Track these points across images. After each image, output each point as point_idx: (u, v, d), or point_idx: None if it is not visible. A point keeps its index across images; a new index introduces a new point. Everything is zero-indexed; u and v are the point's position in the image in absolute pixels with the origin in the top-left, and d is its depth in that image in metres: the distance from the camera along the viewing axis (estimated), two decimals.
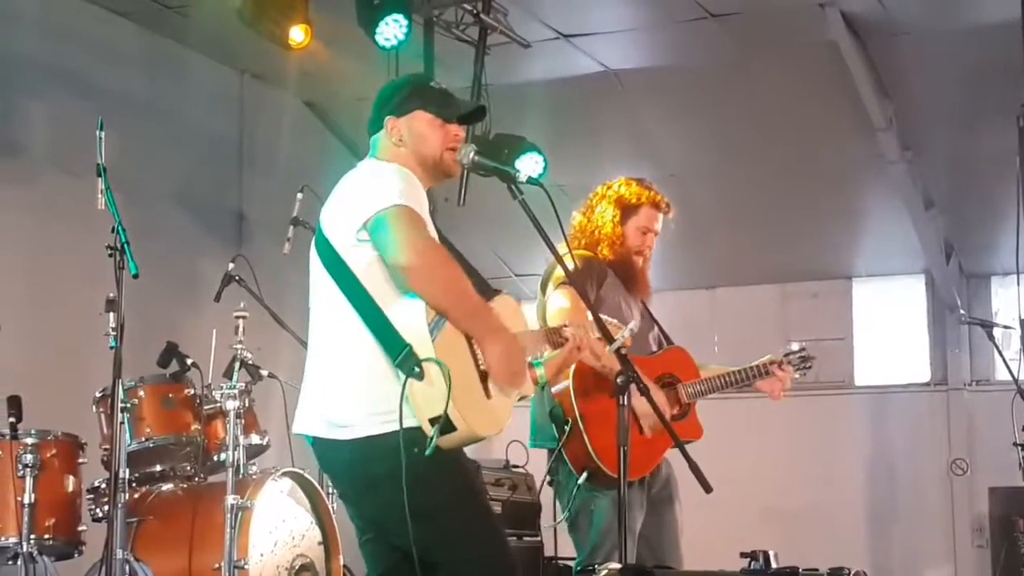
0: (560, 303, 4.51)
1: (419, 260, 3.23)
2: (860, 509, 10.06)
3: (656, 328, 4.93)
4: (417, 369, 3.16)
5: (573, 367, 4.23)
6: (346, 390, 3.33)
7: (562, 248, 3.84)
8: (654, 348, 4.86)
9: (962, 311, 9.57)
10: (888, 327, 10.49)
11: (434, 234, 3.45)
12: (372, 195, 3.33)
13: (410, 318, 3.23)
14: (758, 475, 9.71)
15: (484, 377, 3.33)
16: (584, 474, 4.41)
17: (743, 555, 3.90)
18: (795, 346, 4.93)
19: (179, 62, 8.40)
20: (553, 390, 4.45)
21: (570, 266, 4.01)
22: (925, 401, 10.21)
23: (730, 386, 4.80)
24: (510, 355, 3.34)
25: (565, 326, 3.74)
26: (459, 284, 3.31)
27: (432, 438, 3.15)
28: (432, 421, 3.16)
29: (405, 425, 3.17)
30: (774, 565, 3.81)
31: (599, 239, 4.75)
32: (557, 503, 4.60)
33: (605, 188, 4.85)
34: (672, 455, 4.58)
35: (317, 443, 3.41)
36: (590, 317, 3.72)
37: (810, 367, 4.91)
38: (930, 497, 9.97)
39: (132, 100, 7.92)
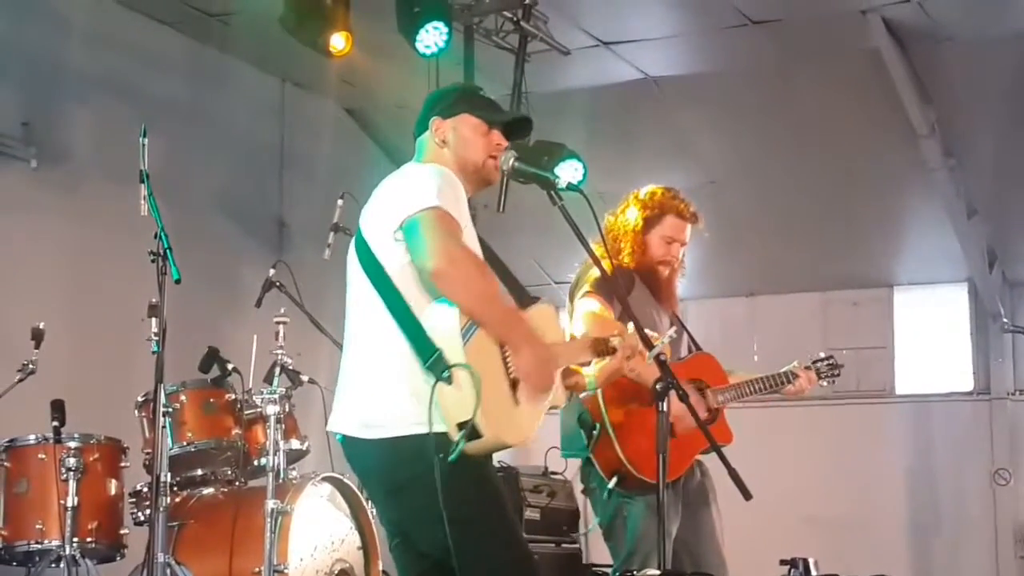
0: (588, 307, 4.47)
1: (450, 267, 3.21)
2: (901, 518, 9.98)
3: (686, 336, 4.91)
4: (446, 374, 3.14)
5: None
6: (377, 390, 3.32)
7: (601, 255, 3.84)
8: (683, 355, 4.83)
9: (1005, 320, 9.49)
10: (930, 336, 10.41)
11: (473, 236, 3.45)
12: (408, 196, 3.32)
13: (442, 322, 3.21)
14: (799, 482, 9.64)
15: (515, 385, 3.30)
16: (614, 479, 4.39)
17: (783, 562, 3.89)
18: (822, 354, 4.92)
19: (221, 70, 8.47)
20: (580, 396, 4.41)
21: (607, 271, 4.00)
22: (968, 410, 10.12)
23: (758, 392, 4.78)
24: (540, 363, 3.30)
25: (613, 336, 3.71)
26: (490, 291, 3.30)
27: (458, 443, 3.13)
28: (460, 426, 3.14)
29: (433, 430, 3.14)
30: (814, 573, 3.81)
31: (621, 246, 4.71)
32: (591, 511, 4.58)
33: (633, 196, 4.82)
34: (710, 461, 4.57)
35: (347, 442, 3.40)
36: (631, 327, 3.71)
37: (838, 374, 4.90)
38: (972, 507, 9.88)
39: (175, 108, 7.99)
